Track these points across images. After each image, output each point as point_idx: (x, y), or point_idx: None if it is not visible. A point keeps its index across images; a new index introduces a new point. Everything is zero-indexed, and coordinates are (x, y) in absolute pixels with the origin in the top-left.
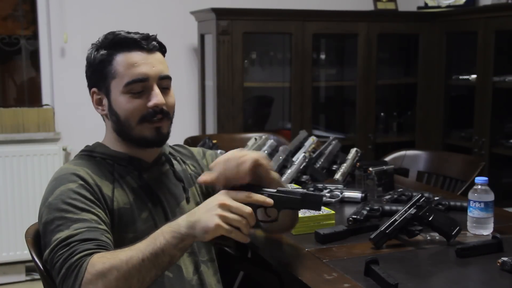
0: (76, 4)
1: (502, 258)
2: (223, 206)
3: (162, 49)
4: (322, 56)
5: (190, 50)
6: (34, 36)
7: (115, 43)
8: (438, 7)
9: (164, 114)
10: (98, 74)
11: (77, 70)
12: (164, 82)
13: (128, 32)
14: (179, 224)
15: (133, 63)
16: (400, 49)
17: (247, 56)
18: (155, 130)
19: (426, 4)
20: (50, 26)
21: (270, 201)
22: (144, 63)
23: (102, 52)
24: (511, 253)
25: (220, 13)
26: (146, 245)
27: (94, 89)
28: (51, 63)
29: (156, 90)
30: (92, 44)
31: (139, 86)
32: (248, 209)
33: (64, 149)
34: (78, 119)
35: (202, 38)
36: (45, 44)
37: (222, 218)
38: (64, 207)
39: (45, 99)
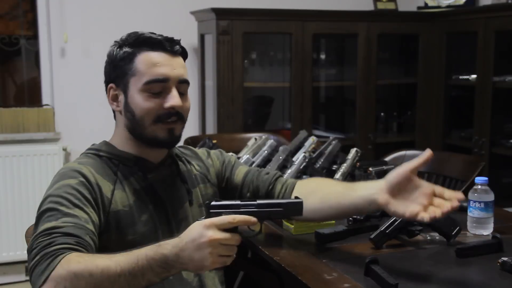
0: (76, 4)
1: (502, 258)
2: (213, 243)
3: (184, 54)
4: (322, 56)
5: (190, 50)
6: (34, 36)
7: (140, 42)
8: (438, 7)
9: (179, 117)
10: (118, 70)
11: (77, 70)
12: (182, 87)
13: (152, 33)
14: (166, 256)
15: (155, 63)
16: (400, 49)
17: (247, 56)
18: (168, 131)
19: (426, 4)
20: (50, 26)
21: (254, 220)
22: (166, 64)
23: (125, 49)
24: (511, 253)
25: (220, 13)
26: (126, 262)
27: (111, 85)
28: (51, 63)
29: (174, 92)
30: (115, 41)
31: (158, 86)
32: (236, 238)
33: (64, 149)
34: (78, 119)
35: (202, 38)
36: (45, 44)
37: (215, 255)
38: (59, 199)
39: (45, 99)
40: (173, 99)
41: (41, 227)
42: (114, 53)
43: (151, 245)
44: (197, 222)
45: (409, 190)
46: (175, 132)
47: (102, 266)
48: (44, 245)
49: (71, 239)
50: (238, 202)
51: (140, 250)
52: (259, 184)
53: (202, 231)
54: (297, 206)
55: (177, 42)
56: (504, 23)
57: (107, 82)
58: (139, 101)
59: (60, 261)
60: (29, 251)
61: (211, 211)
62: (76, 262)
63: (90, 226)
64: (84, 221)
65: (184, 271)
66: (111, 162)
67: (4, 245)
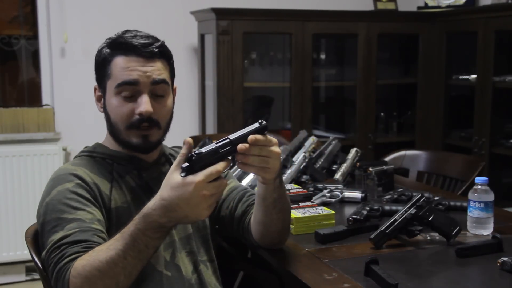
0: (76, 4)
1: (502, 258)
2: (206, 197)
3: (164, 56)
4: (322, 56)
5: (190, 50)
6: (34, 36)
7: (115, 45)
8: (438, 7)
9: (152, 123)
10: (99, 71)
11: (77, 70)
12: (159, 89)
13: (134, 36)
14: (159, 222)
15: (126, 67)
16: (400, 49)
17: (247, 56)
18: (142, 137)
19: (426, 4)
20: (50, 26)
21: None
22: (137, 69)
23: (105, 50)
24: (511, 253)
25: (220, 13)
26: (125, 244)
27: (95, 86)
28: (51, 63)
29: (145, 98)
30: (106, 39)
31: (129, 90)
32: (223, 184)
33: (64, 149)
34: (78, 119)
35: (202, 38)
36: (45, 44)
37: (211, 207)
38: (60, 207)
39: (45, 99)
40: (142, 105)
41: (49, 240)
42: (99, 52)
43: (136, 219)
44: (179, 179)
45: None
46: (150, 138)
47: (105, 258)
48: (56, 260)
49: (79, 247)
50: (214, 145)
51: (130, 228)
52: (238, 205)
53: (193, 191)
54: (262, 128)
55: (155, 45)
56: (504, 23)
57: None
58: (113, 105)
59: (70, 272)
60: (46, 266)
61: (196, 166)
62: (81, 266)
63: (96, 225)
64: (89, 222)
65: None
66: (105, 162)
67: (4, 245)
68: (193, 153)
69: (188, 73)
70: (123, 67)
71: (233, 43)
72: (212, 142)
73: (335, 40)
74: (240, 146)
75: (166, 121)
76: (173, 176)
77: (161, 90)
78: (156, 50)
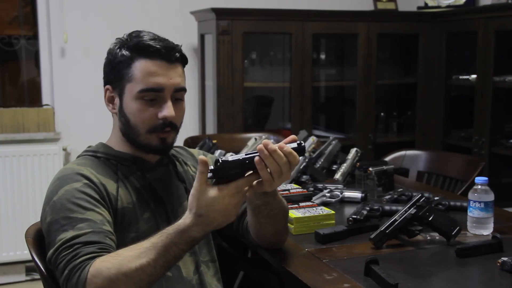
0: (76, 4)
1: (502, 258)
2: (235, 205)
3: (184, 60)
4: (322, 56)
5: (190, 50)
6: (34, 36)
7: (139, 48)
8: (438, 7)
9: (172, 127)
10: (115, 73)
11: (77, 70)
12: (178, 94)
13: (154, 38)
14: (196, 237)
15: (152, 72)
16: (400, 49)
17: (247, 56)
18: (160, 140)
19: (426, 4)
20: (50, 26)
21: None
22: (162, 74)
23: (124, 52)
24: (511, 253)
25: (220, 13)
26: (156, 254)
27: (108, 87)
28: (51, 63)
29: (169, 103)
30: (117, 39)
31: (153, 95)
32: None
33: (64, 149)
34: (78, 119)
35: (202, 38)
36: (45, 44)
37: (237, 211)
38: (70, 206)
39: (45, 99)
40: (166, 110)
41: (59, 238)
42: (114, 53)
43: (170, 233)
44: (212, 194)
45: None
46: (167, 140)
47: (135, 265)
48: (69, 258)
49: (94, 247)
50: (242, 157)
51: (163, 240)
52: None
53: (225, 201)
54: (299, 149)
55: (177, 49)
56: (504, 23)
57: (105, 82)
58: (134, 109)
59: (88, 271)
60: (54, 265)
61: (220, 171)
62: (106, 268)
63: (107, 227)
64: (100, 223)
65: None
66: (109, 162)
67: (4, 245)
68: (220, 159)
69: (188, 73)
70: (149, 71)
71: (233, 43)
72: (212, 142)
73: (335, 40)
74: (268, 144)
75: (181, 123)
76: (205, 193)
77: (179, 95)
78: (178, 55)
